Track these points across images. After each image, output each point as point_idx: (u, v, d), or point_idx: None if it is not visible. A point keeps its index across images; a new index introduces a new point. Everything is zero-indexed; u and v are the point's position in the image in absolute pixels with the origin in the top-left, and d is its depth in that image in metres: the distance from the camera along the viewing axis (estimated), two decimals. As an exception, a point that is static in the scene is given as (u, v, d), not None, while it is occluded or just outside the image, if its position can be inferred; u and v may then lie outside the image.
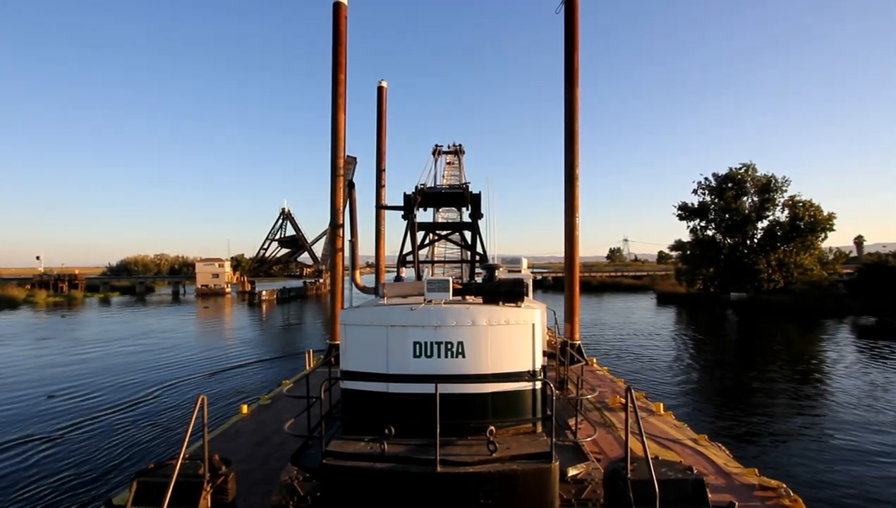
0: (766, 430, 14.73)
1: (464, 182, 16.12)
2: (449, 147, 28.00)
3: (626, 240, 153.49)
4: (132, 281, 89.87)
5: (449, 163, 27.53)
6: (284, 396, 11.85)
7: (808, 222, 51.54)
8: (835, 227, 51.58)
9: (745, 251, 55.36)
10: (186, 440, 5.02)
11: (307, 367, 14.60)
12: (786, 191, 54.13)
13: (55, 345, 32.19)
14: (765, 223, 55.20)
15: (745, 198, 55.40)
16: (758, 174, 55.21)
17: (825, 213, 51.63)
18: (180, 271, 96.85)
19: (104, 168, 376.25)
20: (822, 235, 52.19)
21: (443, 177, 25.87)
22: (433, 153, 27.23)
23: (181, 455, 4.98)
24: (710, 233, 58.24)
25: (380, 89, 21.95)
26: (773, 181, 54.34)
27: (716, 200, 56.49)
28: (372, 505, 5.04)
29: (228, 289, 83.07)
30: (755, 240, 55.53)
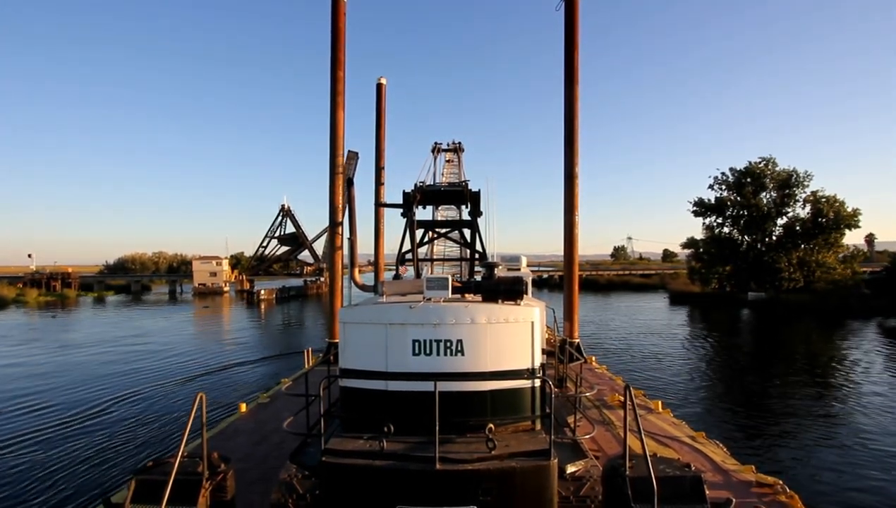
0: (781, 434, 14.50)
1: (463, 180, 16.11)
2: (448, 145, 27.92)
3: (629, 239, 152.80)
4: (128, 280, 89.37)
5: (448, 161, 27.46)
6: (283, 394, 11.86)
7: (832, 219, 49.53)
8: (860, 224, 49.74)
9: (764, 249, 53.74)
10: (185, 438, 5.01)
11: (306, 365, 14.62)
12: (807, 186, 52.03)
13: (38, 348, 30.73)
14: (784, 220, 53.35)
15: (762, 194, 53.46)
16: (778, 168, 53.21)
17: (849, 210, 49.52)
18: (178, 269, 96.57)
19: (103, 167, 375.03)
20: (846, 232, 50.36)
21: (442, 174, 25.83)
22: (432, 151, 27.18)
23: (180, 453, 4.97)
24: (726, 229, 56.19)
25: (379, 86, 21.88)
26: (795, 176, 52.20)
27: (733, 196, 54.40)
28: (371, 503, 5.04)
29: (227, 288, 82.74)
30: (773, 238, 53.88)
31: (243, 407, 11.42)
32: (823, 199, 50.57)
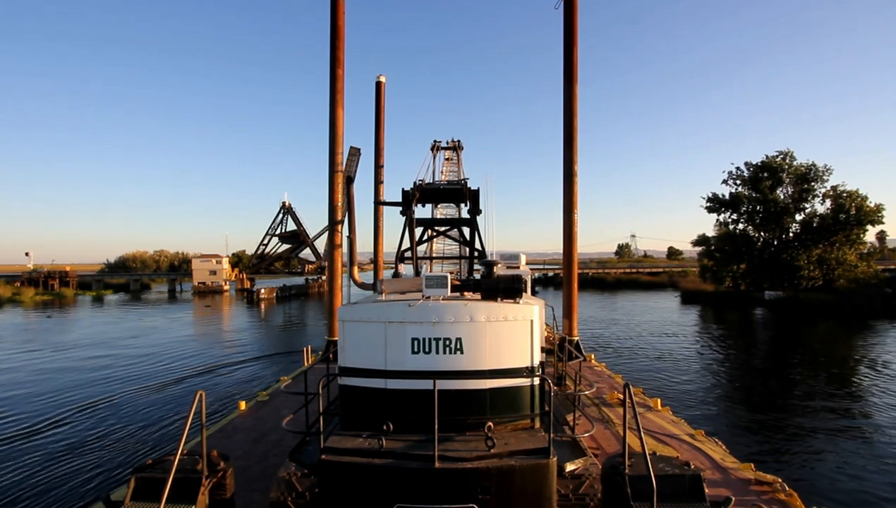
0: (786, 432, 14.17)
1: (462, 178, 16.12)
2: (447, 143, 27.98)
3: (633, 236, 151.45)
4: (127, 279, 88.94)
5: (447, 159, 27.53)
6: (282, 393, 11.86)
7: (854, 214, 47.51)
8: (884, 220, 47.57)
9: (780, 246, 52.13)
10: (184, 436, 5.01)
11: (305, 364, 14.63)
12: (826, 180, 50.07)
13: (30, 348, 29.70)
14: (802, 216, 51.44)
15: (779, 189, 51.66)
16: (796, 162, 51.25)
17: (872, 205, 47.42)
18: (180, 268, 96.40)
19: (104, 166, 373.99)
20: (868, 229, 48.64)
21: (441, 172, 25.87)
22: (431, 149, 27.23)
23: (179, 451, 4.97)
24: (741, 226, 54.45)
25: (378, 84, 21.88)
26: (814, 170, 50.19)
27: (749, 191, 52.59)
28: (370, 501, 5.04)
29: (227, 287, 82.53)
30: (790, 235, 51.97)
31: (243, 406, 11.43)
32: (845, 194, 48.53)
